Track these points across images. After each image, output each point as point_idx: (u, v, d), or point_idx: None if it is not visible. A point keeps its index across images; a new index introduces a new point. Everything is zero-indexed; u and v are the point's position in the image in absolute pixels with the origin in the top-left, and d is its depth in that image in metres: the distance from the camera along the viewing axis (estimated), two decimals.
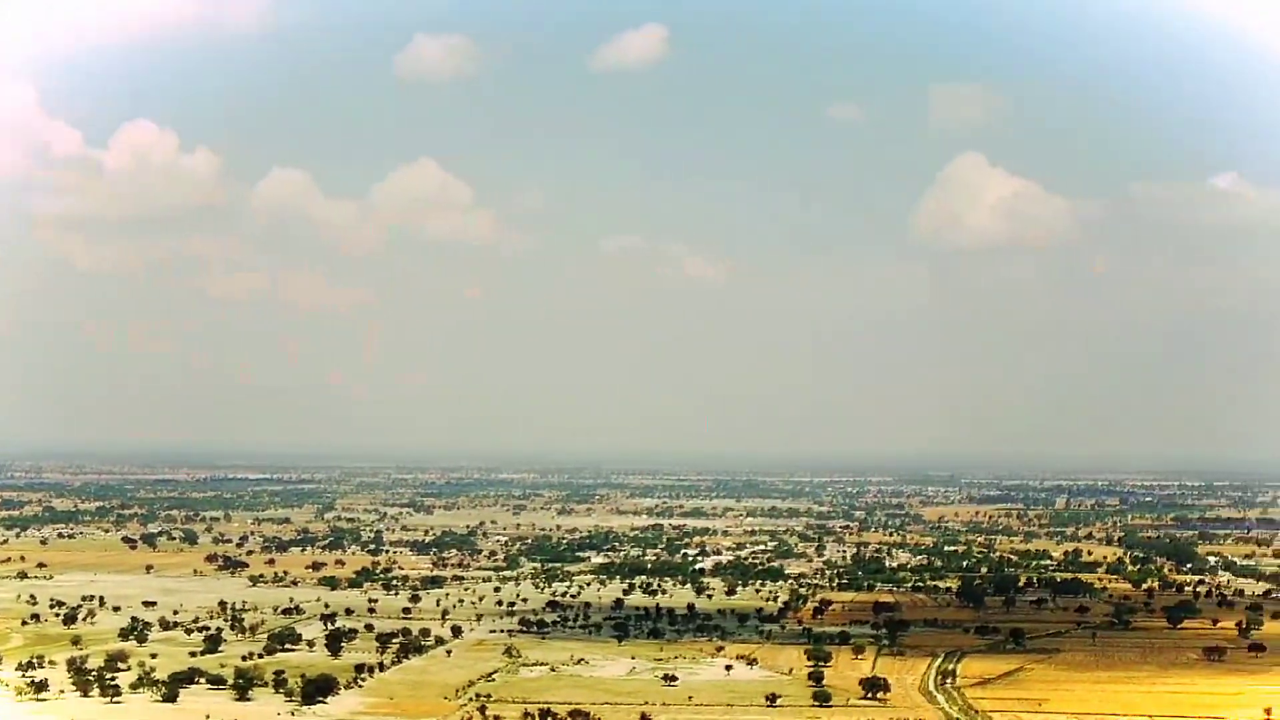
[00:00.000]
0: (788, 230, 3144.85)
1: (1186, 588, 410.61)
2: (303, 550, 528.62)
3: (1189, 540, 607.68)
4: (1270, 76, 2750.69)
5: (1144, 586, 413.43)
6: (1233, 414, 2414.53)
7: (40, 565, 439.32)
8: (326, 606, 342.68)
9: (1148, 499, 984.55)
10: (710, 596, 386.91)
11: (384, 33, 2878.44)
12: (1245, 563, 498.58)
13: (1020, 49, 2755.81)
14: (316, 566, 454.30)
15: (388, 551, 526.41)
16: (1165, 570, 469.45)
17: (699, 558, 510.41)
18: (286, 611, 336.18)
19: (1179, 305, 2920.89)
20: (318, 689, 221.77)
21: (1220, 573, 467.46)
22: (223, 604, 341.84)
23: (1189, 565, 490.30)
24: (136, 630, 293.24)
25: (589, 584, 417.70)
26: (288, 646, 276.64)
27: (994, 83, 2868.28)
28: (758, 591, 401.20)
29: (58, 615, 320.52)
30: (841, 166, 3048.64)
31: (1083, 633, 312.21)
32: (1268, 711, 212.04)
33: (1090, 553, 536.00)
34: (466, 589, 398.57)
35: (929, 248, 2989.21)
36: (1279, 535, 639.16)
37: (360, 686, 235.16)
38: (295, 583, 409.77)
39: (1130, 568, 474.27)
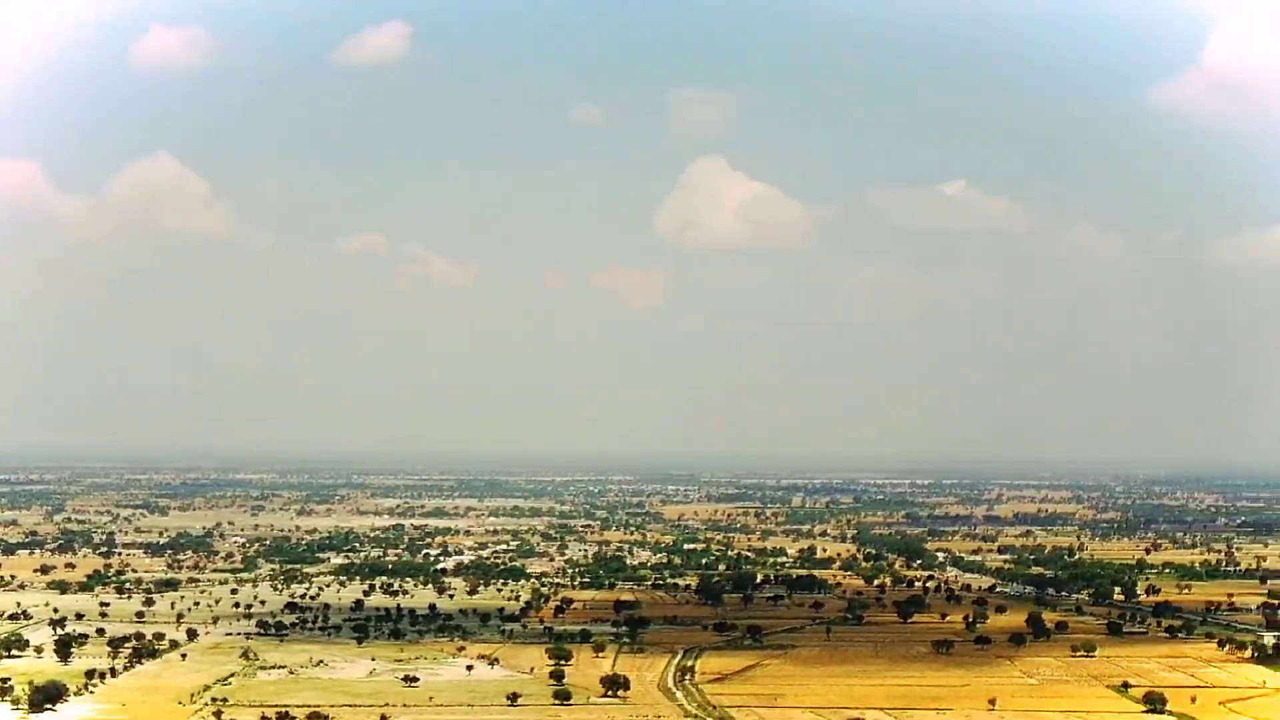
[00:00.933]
0: (531, 231, 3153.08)
1: (916, 583, 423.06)
2: (31, 553, 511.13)
3: (919, 537, 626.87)
4: (999, 90, 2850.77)
5: (876, 582, 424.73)
6: (961, 413, 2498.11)
7: None
8: (56, 611, 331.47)
9: (880, 497, 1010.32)
10: (452, 596, 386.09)
11: (119, 23, 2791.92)
12: (971, 558, 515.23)
13: (759, 54, 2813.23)
14: (45, 570, 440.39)
15: (120, 554, 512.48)
16: (896, 566, 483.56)
17: (441, 558, 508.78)
18: (13, 617, 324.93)
19: (910, 307, 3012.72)
20: (46, 696, 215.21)
21: (948, 568, 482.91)
22: None
23: (919, 561, 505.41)
24: None
25: (329, 585, 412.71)
26: (14, 653, 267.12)
27: (734, 87, 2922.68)
28: (500, 591, 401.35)
29: None
30: (584, 168, 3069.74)
31: (817, 628, 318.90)
32: (992, 702, 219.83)
33: (825, 550, 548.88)
34: (203, 591, 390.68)
35: (671, 249, 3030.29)
36: (1003, 532, 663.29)
37: (91, 693, 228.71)
38: (22, 586, 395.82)
39: (863, 564, 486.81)
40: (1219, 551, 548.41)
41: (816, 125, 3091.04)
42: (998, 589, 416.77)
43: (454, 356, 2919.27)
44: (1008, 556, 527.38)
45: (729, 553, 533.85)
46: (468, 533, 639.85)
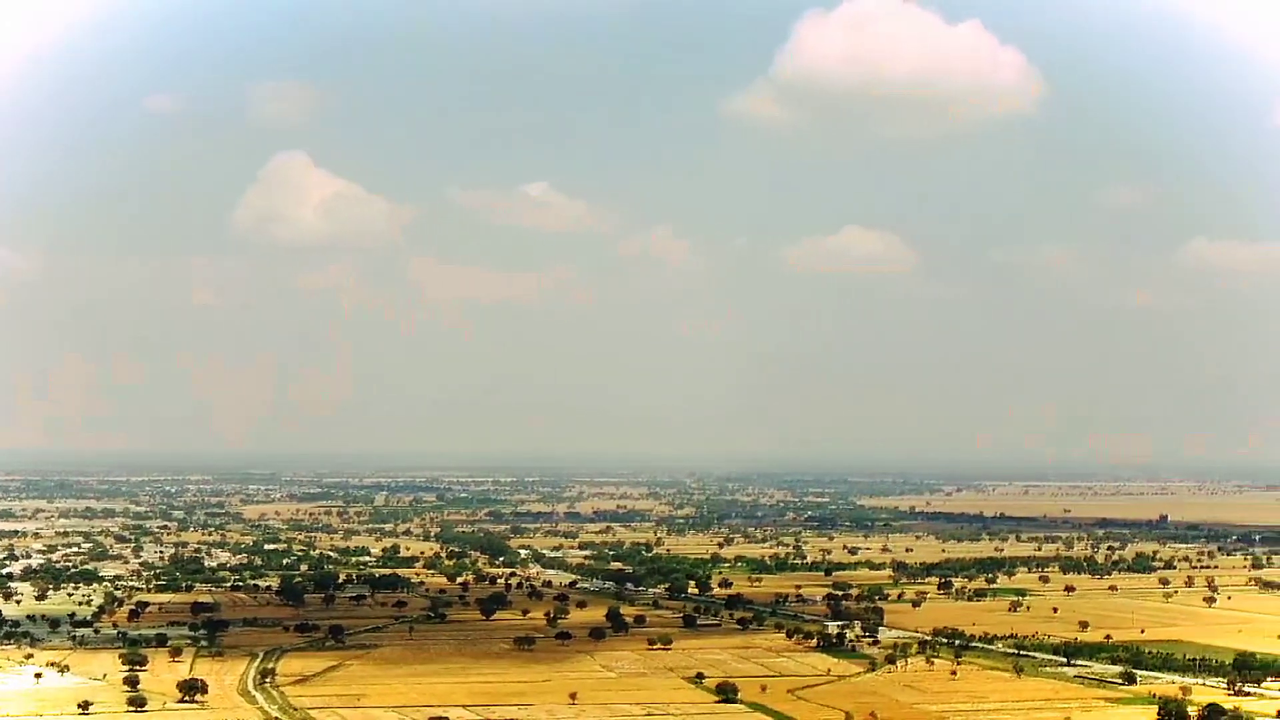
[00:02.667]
0: (102, 221, 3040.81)
1: (499, 580, 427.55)
2: None
3: (502, 534, 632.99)
4: (580, 94, 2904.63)
5: (459, 580, 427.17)
6: (543, 410, 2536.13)
7: None
8: None
9: (463, 494, 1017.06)
10: (19, 602, 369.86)
11: None
12: (554, 555, 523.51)
13: (342, 50, 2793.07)
14: None
15: None
16: (480, 564, 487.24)
17: (7, 561, 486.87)
18: None
19: (493, 304, 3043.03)
20: None
21: (531, 565, 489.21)
22: None
23: (502, 558, 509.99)
24: None
25: None
26: None
27: (316, 82, 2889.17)
28: (71, 595, 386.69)
29: None
30: (158, 159, 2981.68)
31: (400, 627, 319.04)
32: (573, 696, 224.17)
33: (409, 548, 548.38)
34: None
35: (251, 244, 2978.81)
36: (584, 528, 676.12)
37: None
38: None
39: (446, 562, 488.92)
40: (787, 545, 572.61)
41: (401, 123, 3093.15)
42: (579, 585, 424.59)
43: (20, 351, 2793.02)
44: (588, 552, 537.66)
45: (311, 552, 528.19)
46: (36, 535, 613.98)
